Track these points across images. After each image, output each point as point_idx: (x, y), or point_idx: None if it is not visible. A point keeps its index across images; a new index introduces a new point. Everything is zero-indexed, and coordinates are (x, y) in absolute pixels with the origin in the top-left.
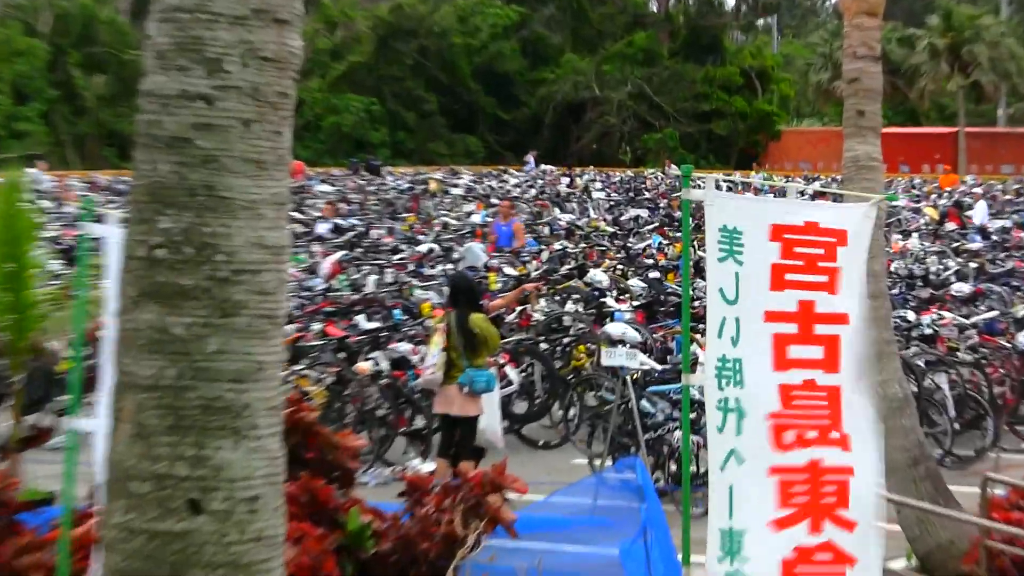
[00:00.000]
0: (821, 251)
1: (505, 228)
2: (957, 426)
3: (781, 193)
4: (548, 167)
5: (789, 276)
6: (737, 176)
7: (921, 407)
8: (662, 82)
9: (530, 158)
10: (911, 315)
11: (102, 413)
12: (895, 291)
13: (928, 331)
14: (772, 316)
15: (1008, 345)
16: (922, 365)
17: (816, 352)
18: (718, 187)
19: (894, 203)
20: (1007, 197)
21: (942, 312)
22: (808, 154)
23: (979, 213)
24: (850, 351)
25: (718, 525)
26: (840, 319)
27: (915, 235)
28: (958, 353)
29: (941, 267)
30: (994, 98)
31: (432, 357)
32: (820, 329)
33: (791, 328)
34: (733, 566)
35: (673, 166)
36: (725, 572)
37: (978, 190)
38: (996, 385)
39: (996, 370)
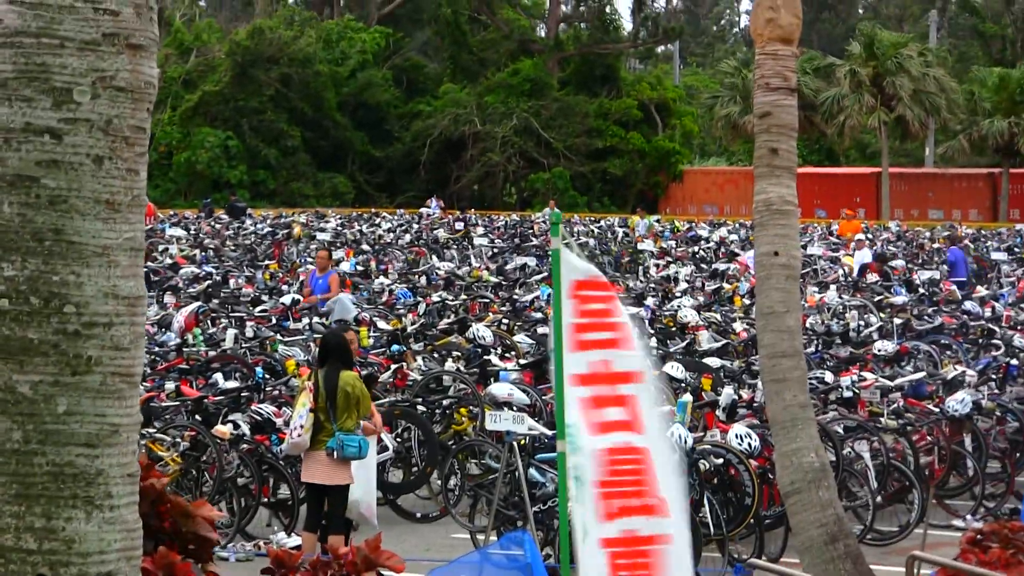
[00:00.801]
0: (604, 306)
1: (321, 281)
2: (880, 499)
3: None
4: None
5: (584, 336)
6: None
7: (840, 478)
8: (551, 116)
9: (432, 202)
10: (829, 376)
11: None
12: (811, 349)
13: (848, 394)
14: (577, 379)
15: (936, 410)
16: (841, 431)
17: (621, 413)
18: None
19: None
20: (936, 246)
21: (863, 373)
22: (714, 196)
23: (859, 259)
24: (651, 409)
25: None
26: (636, 377)
27: (833, 288)
28: (881, 419)
29: (862, 323)
30: (920, 136)
31: (299, 418)
32: (622, 389)
33: (594, 390)
34: None
35: (557, 208)
36: None
37: (861, 237)
38: (923, 454)
39: (923, 437)
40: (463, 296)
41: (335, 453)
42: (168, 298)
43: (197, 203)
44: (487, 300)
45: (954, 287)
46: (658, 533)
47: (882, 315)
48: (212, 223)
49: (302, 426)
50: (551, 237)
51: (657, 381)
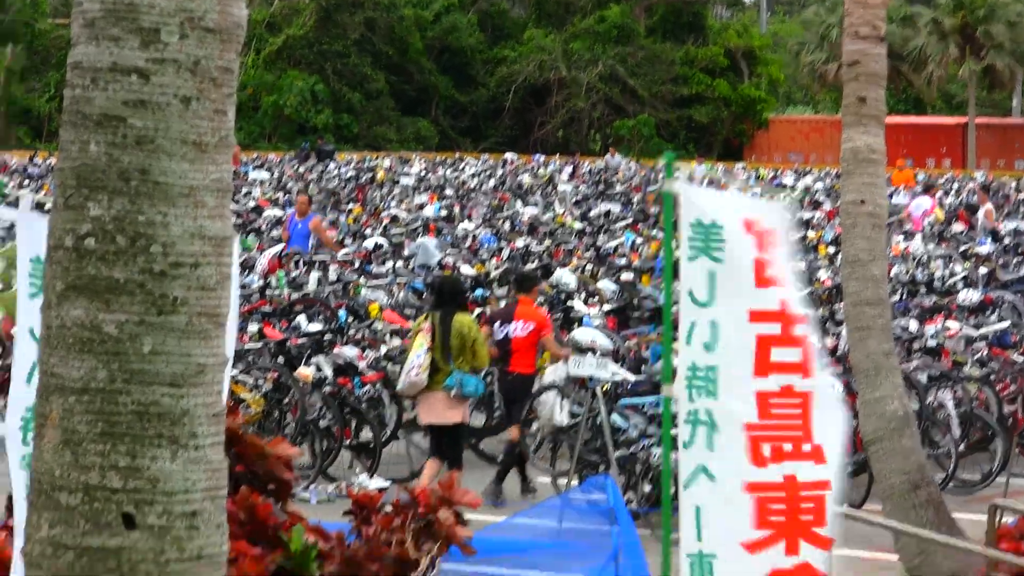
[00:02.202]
0: (776, 248)
1: (300, 226)
2: (962, 448)
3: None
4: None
5: (768, 272)
6: (720, 168)
7: (923, 427)
8: (637, 63)
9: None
10: (914, 325)
11: (13, 417)
12: (896, 298)
13: (932, 343)
14: (756, 316)
15: (1020, 359)
16: (925, 380)
17: (795, 355)
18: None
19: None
20: (1021, 196)
21: (948, 322)
22: (799, 145)
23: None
24: (816, 353)
25: (687, 550)
26: (807, 318)
27: (918, 237)
28: (964, 368)
29: (947, 273)
30: (1009, 85)
31: (416, 359)
32: (798, 330)
33: (775, 328)
34: None
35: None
36: None
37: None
38: (1006, 403)
39: (1007, 386)
40: (547, 242)
41: (453, 392)
42: (251, 240)
43: (281, 147)
44: (571, 246)
45: None
46: (820, 479)
47: (967, 264)
48: (296, 166)
49: (419, 366)
50: (665, 178)
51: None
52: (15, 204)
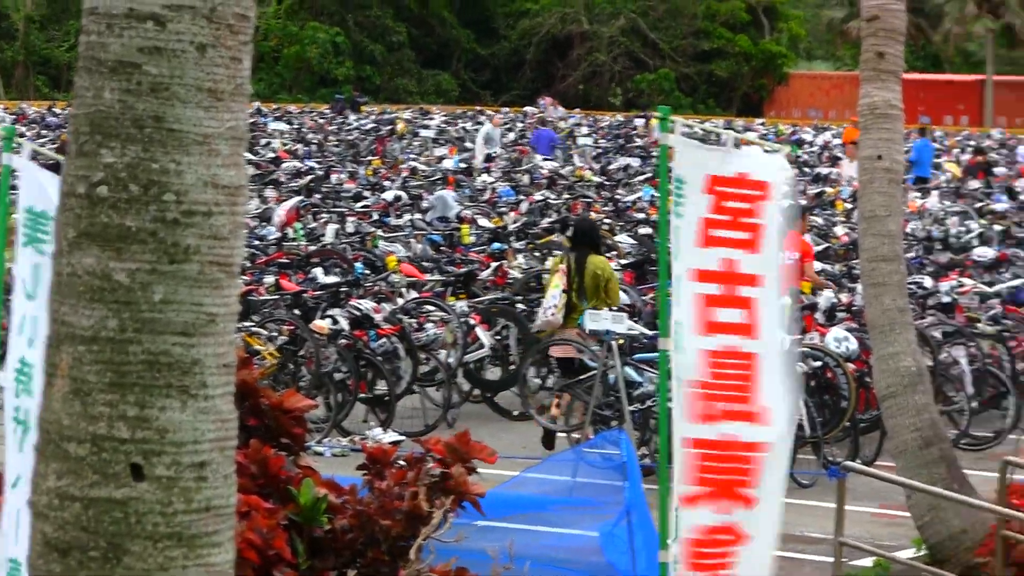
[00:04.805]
0: (747, 205)
1: None
2: (975, 405)
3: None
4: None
5: (714, 232)
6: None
7: (936, 383)
8: (659, 16)
9: (542, 101)
10: (928, 282)
11: (8, 370)
12: (911, 255)
13: (946, 299)
14: (697, 275)
15: None
16: (939, 337)
17: (738, 316)
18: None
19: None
20: None
21: (962, 279)
22: (819, 101)
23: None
24: (769, 316)
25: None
26: (761, 280)
27: (935, 193)
28: (978, 324)
29: (963, 229)
30: None
31: (552, 298)
32: (742, 291)
33: (715, 288)
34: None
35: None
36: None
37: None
38: (1019, 360)
39: (1020, 344)
40: (565, 195)
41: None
42: (269, 192)
43: (302, 98)
44: (589, 200)
45: None
46: (759, 441)
47: (983, 222)
48: (316, 118)
49: (555, 305)
50: (660, 132)
51: (788, 291)
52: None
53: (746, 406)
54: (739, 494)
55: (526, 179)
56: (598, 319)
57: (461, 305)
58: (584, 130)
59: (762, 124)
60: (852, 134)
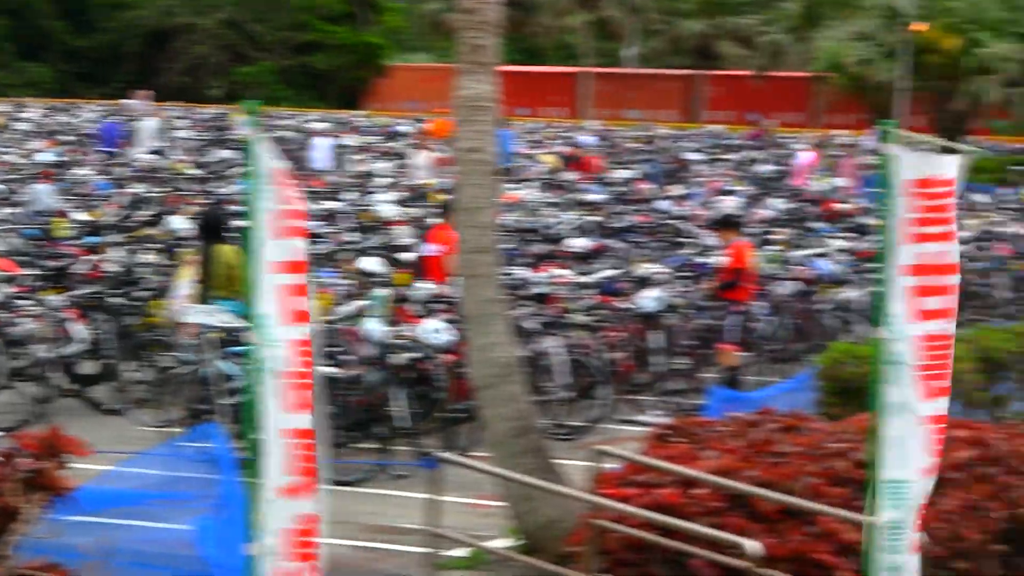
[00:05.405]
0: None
1: None
2: (569, 395)
3: None
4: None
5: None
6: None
7: (531, 373)
8: (258, 9)
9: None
10: (524, 272)
11: None
12: (508, 246)
13: (542, 290)
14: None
15: (626, 307)
16: (534, 327)
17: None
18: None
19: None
20: (632, 145)
21: (558, 270)
22: (420, 93)
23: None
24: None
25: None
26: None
27: (535, 185)
28: (572, 315)
29: (558, 220)
30: (622, 37)
31: (179, 289)
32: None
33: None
34: None
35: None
36: None
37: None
38: (612, 350)
39: (613, 334)
40: (159, 189)
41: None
42: None
43: None
44: (183, 192)
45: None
46: (308, 428)
47: (579, 212)
48: None
49: (183, 296)
50: (249, 128)
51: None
52: None
53: (303, 394)
54: (311, 484)
55: (122, 172)
56: (195, 312)
57: (56, 299)
58: (184, 123)
59: (366, 116)
60: (443, 126)
